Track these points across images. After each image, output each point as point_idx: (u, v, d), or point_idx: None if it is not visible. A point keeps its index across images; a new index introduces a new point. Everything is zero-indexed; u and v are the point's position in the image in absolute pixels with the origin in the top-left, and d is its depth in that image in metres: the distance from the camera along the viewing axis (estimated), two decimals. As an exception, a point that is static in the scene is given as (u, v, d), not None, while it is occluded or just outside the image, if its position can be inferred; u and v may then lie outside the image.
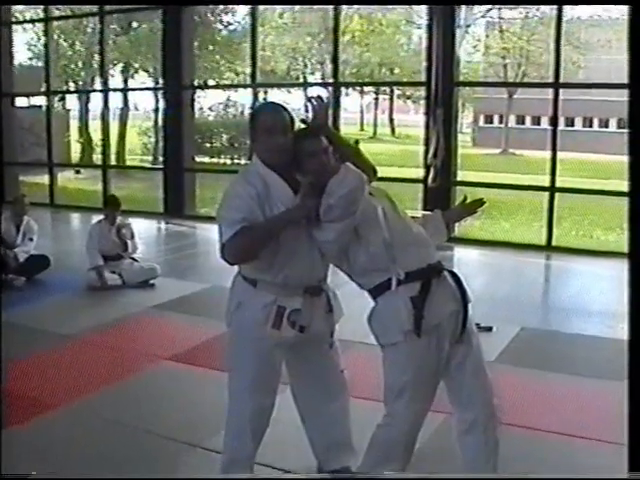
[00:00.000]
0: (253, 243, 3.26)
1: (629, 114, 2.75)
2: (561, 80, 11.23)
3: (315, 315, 3.49)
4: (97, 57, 18.77)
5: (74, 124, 28.30)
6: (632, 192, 2.71)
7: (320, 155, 3.25)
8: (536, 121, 40.20)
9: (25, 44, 26.66)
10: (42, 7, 15.71)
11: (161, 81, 15.42)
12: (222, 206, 3.35)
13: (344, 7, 25.45)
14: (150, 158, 26.98)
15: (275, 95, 31.89)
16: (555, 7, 11.32)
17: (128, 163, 26.68)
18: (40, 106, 18.32)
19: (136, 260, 8.45)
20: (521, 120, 41.78)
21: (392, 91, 43.48)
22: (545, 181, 11.20)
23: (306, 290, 3.45)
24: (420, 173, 11.56)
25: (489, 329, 6.17)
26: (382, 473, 3.22)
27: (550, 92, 11.29)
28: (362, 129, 48.13)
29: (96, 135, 24.95)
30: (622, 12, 32.73)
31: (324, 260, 3.45)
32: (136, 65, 28.02)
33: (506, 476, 3.16)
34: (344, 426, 3.75)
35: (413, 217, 3.58)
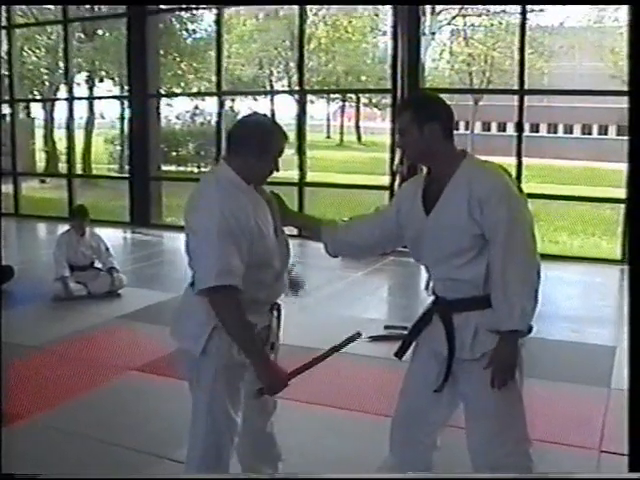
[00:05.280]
0: (233, 318, 3.07)
1: (629, 120, 2.76)
2: (526, 87, 11.32)
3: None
4: (62, 65, 18.67)
5: (39, 133, 28.06)
6: (631, 199, 2.74)
7: None
8: (502, 127, 40.53)
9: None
10: (5, 15, 15.53)
11: (127, 89, 15.35)
12: (207, 229, 3.02)
13: (309, 14, 25.60)
14: (116, 167, 26.82)
15: (241, 103, 31.97)
16: (519, 15, 11.42)
17: (94, 172, 26.43)
18: (4, 115, 18.14)
19: (102, 270, 8.36)
20: (487, 126, 42.09)
21: (358, 98, 43.64)
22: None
23: (271, 307, 3.36)
24: (386, 180, 11.58)
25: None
26: None
27: (515, 99, 11.37)
28: (329, 137, 48.26)
29: (61, 144, 24.73)
30: (585, 20, 33.12)
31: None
32: (102, 73, 27.83)
33: (506, 476, 3.14)
34: (273, 440, 3.64)
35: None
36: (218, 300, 3.04)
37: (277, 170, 3.23)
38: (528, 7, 11.75)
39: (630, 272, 2.82)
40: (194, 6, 17.24)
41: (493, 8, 30.51)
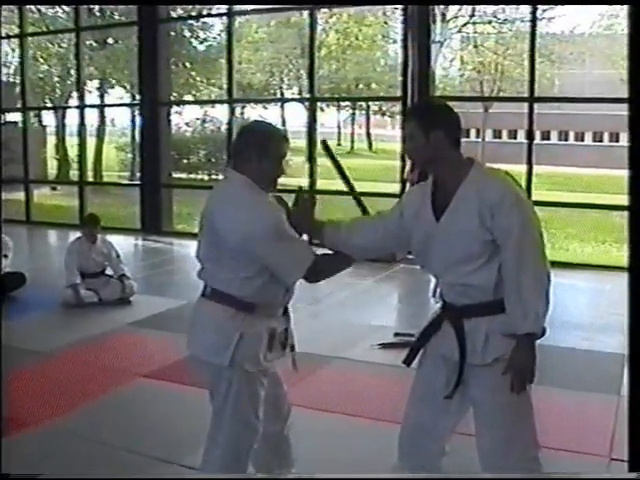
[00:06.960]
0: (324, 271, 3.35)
1: (629, 126, 2.75)
2: (536, 94, 11.30)
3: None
4: (73, 73, 18.73)
5: (51, 140, 28.18)
6: (632, 206, 2.73)
7: None
8: (512, 135, 40.49)
9: (0, 60, 26.57)
10: (17, 23, 15.64)
11: (138, 97, 15.40)
12: (270, 231, 3.14)
13: (320, 22, 25.61)
14: (127, 174, 26.90)
15: (252, 111, 32.01)
16: (529, 22, 11.42)
17: (105, 179, 26.55)
18: (16, 122, 18.24)
19: (112, 277, 8.38)
20: (498, 134, 42.05)
21: (369, 106, 43.66)
22: (521, 194, 11.23)
23: (284, 310, 3.39)
24: (397, 188, 11.58)
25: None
26: None
27: (525, 106, 11.35)
28: (339, 144, 48.26)
29: (73, 151, 24.84)
30: (595, 27, 33.08)
31: None
32: (113, 81, 27.95)
33: (508, 476, 3.14)
34: (290, 445, 3.66)
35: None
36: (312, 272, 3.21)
37: (283, 173, 3.29)
38: (538, 15, 11.74)
39: (630, 279, 2.82)
40: (205, 12, 17.29)
41: (503, 15, 30.53)
